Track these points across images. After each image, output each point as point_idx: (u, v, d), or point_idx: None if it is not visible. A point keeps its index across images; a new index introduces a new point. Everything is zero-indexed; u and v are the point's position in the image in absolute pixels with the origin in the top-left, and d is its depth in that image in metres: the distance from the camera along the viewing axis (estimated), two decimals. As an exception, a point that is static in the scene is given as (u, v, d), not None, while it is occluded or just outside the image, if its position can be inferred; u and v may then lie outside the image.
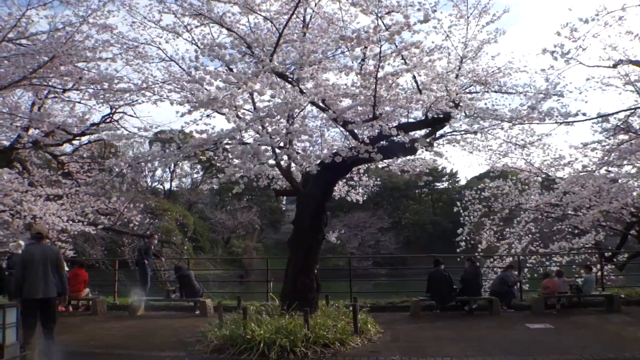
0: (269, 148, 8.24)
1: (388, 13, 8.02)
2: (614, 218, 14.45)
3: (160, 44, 10.53)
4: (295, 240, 9.66)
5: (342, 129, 9.94)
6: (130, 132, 11.34)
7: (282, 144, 10.16)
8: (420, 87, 8.63)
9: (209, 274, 28.27)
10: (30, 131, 12.35)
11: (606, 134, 11.38)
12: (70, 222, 14.12)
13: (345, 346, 7.85)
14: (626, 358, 7.22)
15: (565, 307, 11.24)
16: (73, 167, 16.74)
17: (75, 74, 8.92)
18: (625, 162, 12.27)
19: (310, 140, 8.12)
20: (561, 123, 8.52)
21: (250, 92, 9.02)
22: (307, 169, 11.00)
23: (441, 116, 9.33)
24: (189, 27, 10.17)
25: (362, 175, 13.37)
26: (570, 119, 9.15)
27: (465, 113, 9.30)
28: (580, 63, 12.99)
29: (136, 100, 12.22)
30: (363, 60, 9.13)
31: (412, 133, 9.59)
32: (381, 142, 9.07)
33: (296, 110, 8.24)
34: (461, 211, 15.08)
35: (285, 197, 53.93)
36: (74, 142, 15.10)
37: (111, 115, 14.08)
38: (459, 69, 10.47)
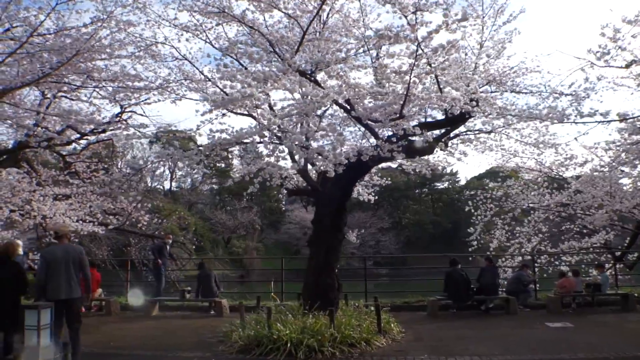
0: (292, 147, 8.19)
1: (414, 12, 8.03)
2: (625, 217, 14.50)
3: (173, 43, 10.53)
4: (315, 240, 9.60)
5: (363, 128, 9.96)
6: (147, 131, 11.21)
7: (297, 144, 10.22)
8: (442, 85, 8.60)
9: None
10: (39, 130, 12.30)
11: (623, 133, 11.39)
12: (81, 222, 14.06)
13: (370, 346, 7.83)
14: (653, 356, 7.25)
15: (581, 306, 11.27)
16: (79, 167, 16.69)
17: (95, 72, 8.85)
18: (638, 162, 12.32)
19: (337, 140, 8.02)
20: (600, 122, 8.50)
21: (266, 92, 9.02)
22: (325, 168, 11.02)
23: (461, 115, 9.36)
24: (204, 26, 10.18)
25: (372, 175, 13.37)
26: (608, 119, 9.19)
27: (485, 111, 9.28)
28: (592, 63, 13.12)
29: (147, 99, 12.16)
30: (377, 57, 9.17)
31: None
32: (400, 142, 9.07)
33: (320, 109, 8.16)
34: (472, 210, 15.06)
35: (285, 198, 53.94)
36: (81, 141, 15.01)
37: (120, 115, 14.02)
38: (475, 68, 10.49)
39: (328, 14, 9.12)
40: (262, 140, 9.83)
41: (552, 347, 7.87)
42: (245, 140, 9.57)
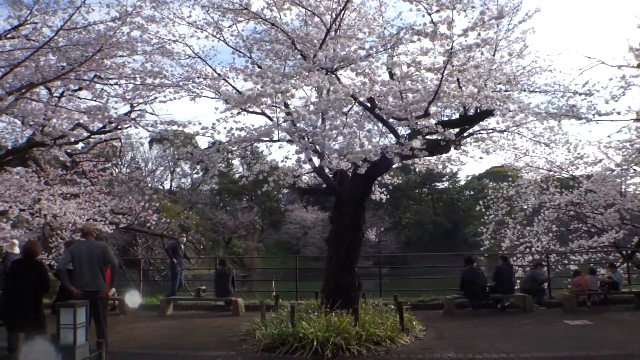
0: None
1: (438, 11, 8.03)
2: (636, 216, 14.53)
3: (187, 41, 10.49)
4: (335, 238, 9.57)
5: (380, 126, 9.95)
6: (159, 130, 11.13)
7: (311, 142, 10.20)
8: (465, 83, 8.61)
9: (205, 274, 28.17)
10: (47, 128, 12.23)
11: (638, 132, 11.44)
12: (92, 221, 13.98)
13: (395, 343, 7.81)
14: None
15: (596, 304, 11.30)
16: (86, 166, 16.63)
17: (113, 69, 8.79)
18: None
19: (365, 137, 7.99)
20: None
21: (293, 90, 8.99)
22: (341, 167, 11.00)
23: (482, 112, 9.38)
24: (219, 24, 10.15)
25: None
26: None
27: (507, 109, 9.29)
28: (603, 63, 13.16)
29: (163, 97, 12.09)
30: (391, 55, 9.16)
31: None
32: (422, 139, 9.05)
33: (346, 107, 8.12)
34: (483, 209, 15.07)
35: (284, 197, 53.91)
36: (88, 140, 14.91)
37: (129, 114, 13.95)
38: (493, 66, 10.50)
39: (344, 12, 9.14)
40: (278, 138, 9.88)
41: (576, 344, 7.87)
42: (264, 138, 9.61)
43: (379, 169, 9.54)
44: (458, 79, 9.33)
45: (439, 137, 9.07)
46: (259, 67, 10.66)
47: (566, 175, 14.81)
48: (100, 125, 12.89)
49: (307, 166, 10.73)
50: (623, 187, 13.17)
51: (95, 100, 12.22)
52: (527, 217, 14.96)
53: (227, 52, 12.59)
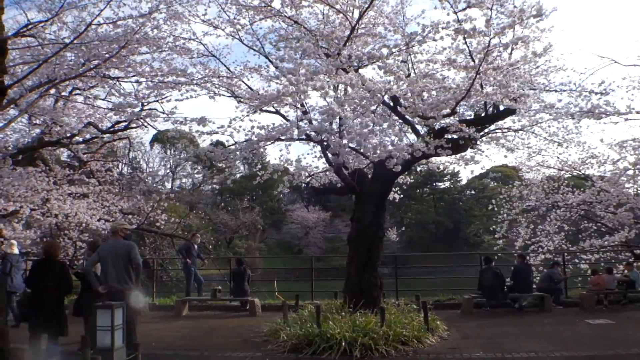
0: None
1: (464, 9, 8.00)
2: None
3: (202, 40, 10.40)
4: (356, 238, 9.53)
5: (396, 125, 9.90)
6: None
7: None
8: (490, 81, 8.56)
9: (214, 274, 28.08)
10: (58, 128, 12.12)
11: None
12: (103, 222, 13.91)
13: (422, 343, 7.76)
14: None
15: (613, 303, 11.28)
16: (94, 166, 16.56)
17: (134, 66, 8.69)
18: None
19: (396, 135, 7.95)
20: None
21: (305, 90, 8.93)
22: (358, 165, 10.95)
23: (505, 111, 9.35)
24: (235, 23, 10.08)
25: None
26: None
27: (530, 108, 9.26)
28: (616, 62, 13.13)
29: (165, 96, 12.00)
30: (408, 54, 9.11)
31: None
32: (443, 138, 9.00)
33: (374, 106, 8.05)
34: (495, 209, 15.05)
35: (286, 197, 53.83)
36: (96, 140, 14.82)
37: (140, 113, 13.86)
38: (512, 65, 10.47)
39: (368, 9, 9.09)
40: (298, 137, 9.81)
41: (602, 343, 7.86)
42: (282, 137, 9.55)
43: (402, 168, 9.49)
44: (479, 78, 9.35)
45: (458, 136, 9.03)
46: (275, 66, 10.66)
47: (577, 174, 14.78)
48: (109, 124, 12.87)
49: (318, 164, 10.74)
50: (637, 186, 13.16)
51: (104, 100, 12.13)
52: (540, 216, 14.92)
53: (239, 51, 12.54)
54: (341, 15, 9.27)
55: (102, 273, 7.04)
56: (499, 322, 9.81)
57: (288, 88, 8.61)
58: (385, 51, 8.11)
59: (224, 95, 10.97)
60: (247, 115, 10.06)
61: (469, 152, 10.99)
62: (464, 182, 52.92)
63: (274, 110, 10.54)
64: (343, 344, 7.29)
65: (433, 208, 53.63)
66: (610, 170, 13.65)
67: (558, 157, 14.36)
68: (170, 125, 12.08)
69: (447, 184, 54.58)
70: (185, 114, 8.80)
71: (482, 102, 8.78)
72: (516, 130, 11.75)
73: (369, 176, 10.97)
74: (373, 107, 7.67)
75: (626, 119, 10.17)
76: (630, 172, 12.95)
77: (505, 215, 14.92)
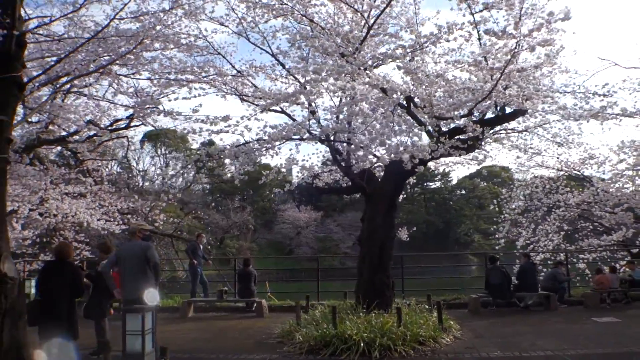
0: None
1: (481, 11, 8.03)
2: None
3: (209, 37, 10.31)
4: (368, 237, 9.51)
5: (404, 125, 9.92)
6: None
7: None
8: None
9: (212, 274, 27.89)
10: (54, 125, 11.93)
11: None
12: (104, 222, 13.72)
13: (438, 343, 7.78)
14: None
15: (615, 301, 11.42)
16: (90, 165, 16.32)
17: (144, 63, 8.55)
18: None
19: (414, 135, 7.93)
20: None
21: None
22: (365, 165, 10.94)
23: (516, 111, 9.41)
24: (243, 21, 10.02)
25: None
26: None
27: (542, 109, 9.33)
28: (617, 64, 13.29)
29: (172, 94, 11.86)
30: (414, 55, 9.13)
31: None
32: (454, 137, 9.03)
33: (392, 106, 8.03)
34: (497, 208, 15.17)
35: (277, 197, 53.62)
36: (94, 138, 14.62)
37: (138, 111, 13.69)
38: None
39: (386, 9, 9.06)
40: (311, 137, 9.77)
41: (614, 340, 7.95)
42: (294, 137, 9.50)
43: (412, 168, 9.51)
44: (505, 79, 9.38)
45: (467, 137, 9.07)
46: (282, 65, 10.62)
47: (576, 174, 14.95)
48: (107, 122, 12.67)
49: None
50: (635, 186, 13.33)
51: (101, 98, 11.89)
52: (540, 216, 15.06)
53: (243, 50, 12.43)
54: (350, 15, 9.30)
55: (120, 276, 6.90)
56: (508, 321, 9.87)
57: (300, 88, 8.62)
58: (400, 51, 8.13)
59: (230, 94, 10.90)
60: (255, 114, 10.06)
61: (482, 153, 11.10)
62: (454, 182, 53.37)
63: (280, 109, 10.51)
64: (362, 344, 7.27)
65: (424, 208, 53.90)
66: (610, 171, 13.86)
67: (558, 158, 14.57)
68: (169, 123, 11.99)
69: (438, 184, 54.93)
70: (187, 112, 8.57)
71: (492, 103, 8.79)
72: (520, 131, 11.87)
73: (376, 176, 11.02)
74: (391, 108, 7.63)
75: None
76: (630, 173, 13.14)
77: (506, 215, 15.01)
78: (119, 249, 7.07)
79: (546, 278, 11.83)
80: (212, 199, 48.63)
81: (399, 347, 7.32)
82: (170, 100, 11.60)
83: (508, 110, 9.96)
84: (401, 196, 12.11)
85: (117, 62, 7.26)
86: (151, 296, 9.58)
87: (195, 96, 10.75)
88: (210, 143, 47.81)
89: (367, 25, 8.09)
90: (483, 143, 10.99)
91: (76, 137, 11.87)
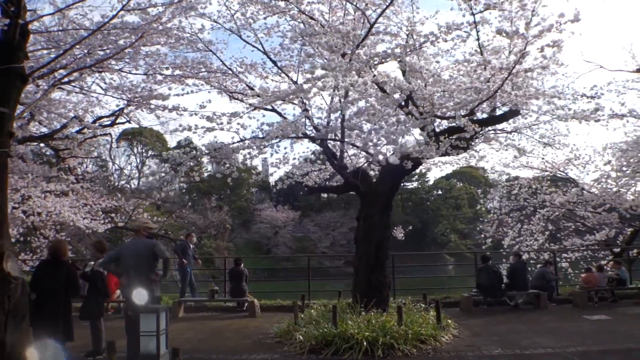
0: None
1: (482, 11, 8.09)
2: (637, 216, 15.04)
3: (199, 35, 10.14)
4: (364, 236, 9.48)
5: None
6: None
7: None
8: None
9: (197, 274, 27.44)
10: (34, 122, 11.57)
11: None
12: (89, 220, 13.36)
13: (439, 342, 7.79)
14: None
15: (602, 300, 11.67)
16: (72, 163, 15.89)
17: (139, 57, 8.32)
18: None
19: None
20: None
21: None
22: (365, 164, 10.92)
23: (511, 112, 9.53)
24: (235, 18, 9.89)
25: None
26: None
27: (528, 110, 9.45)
28: (602, 67, 13.59)
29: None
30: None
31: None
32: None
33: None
34: (484, 208, 15.36)
35: (254, 197, 53.29)
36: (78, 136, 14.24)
37: (123, 109, 13.39)
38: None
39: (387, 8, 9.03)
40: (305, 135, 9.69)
41: (609, 337, 8.11)
42: (292, 135, 9.41)
43: (411, 167, 9.53)
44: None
45: (458, 136, 9.13)
46: (274, 63, 10.52)
47: (561, 175, 15.26)
48: (91, 119, 12.33)
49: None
50: (618, 187, 13.67)
51: (94, 93, 11.57)
52: (527, 215, 15.31)
53: (233, 48, 12.28)
54: (340, 13, 9.25)
55: (124, 274, 6.71)
56: (502, 320, 9.97)
57: (298, 86, 8.53)
58: (399, 50, 8.12)
59: (220, 92, 10.72)
60: (248, 112, 9.94)
61: (474, 152, 11.19)
62: (431, 182, 53.92)
63: (270, 108, 10.40)
64: (365, 344, 7.22)
65: (401, 208, 54.22)
66: (594, 171, 14.20)
67: (543, 158, 14.86)
68: (154, 121, 11.76)
69: (415, 184, 55.38)
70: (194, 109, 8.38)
71: (493, 104, 8.87)
72: (509, 132, 12.04)
73: (369, 175, 11.01)
74: (394, 107, 7.61)
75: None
76: (614, 175, 13.46)
77: (494, 215, 15.20)
78: (121, 247, 6.83)
79: (535, 277, 12.00)
80: (189, 198, 47.93)
81: (402, 346, 7.30)
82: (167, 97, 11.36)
83: (501, 111, 10.13)
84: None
85: (115, 56, 7.02)
86: (140, 296, 9.32)
87: (188, 93, 10.61)
88: (188, 142, 47.34)
89: (366, 23, 8.05)
90: (474, 143, 11.13)
91: (65, 133, 11.53)
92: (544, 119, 10.79)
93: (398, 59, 7.74)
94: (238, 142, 9.76)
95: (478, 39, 8.61)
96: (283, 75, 10.60)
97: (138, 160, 43.95)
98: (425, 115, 8.14)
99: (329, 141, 10.33)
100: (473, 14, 7.96)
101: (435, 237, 48.21)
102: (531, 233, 15.48)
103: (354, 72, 6.85)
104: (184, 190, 49.22)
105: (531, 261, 14.88)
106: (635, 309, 10.81)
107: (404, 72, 7.75)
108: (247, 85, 10.53)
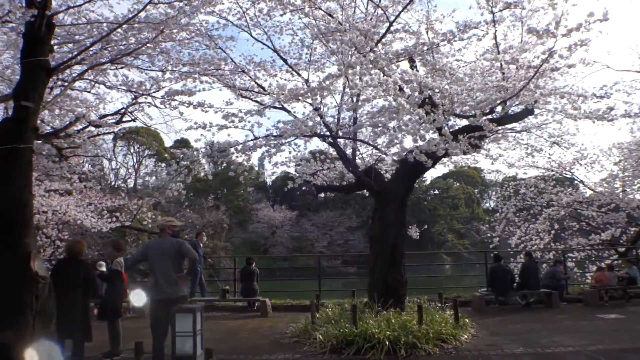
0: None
1: (501, 10, 8.08)
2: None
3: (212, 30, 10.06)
4: (380, 236, 9.43)
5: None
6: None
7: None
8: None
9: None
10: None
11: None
12: (97, 219, 13.24)
13: (459, 341, 7.76)
14: None
15: (613, 298, 11.71)
16: (75, 161, 15.75)
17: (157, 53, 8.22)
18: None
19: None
20: None
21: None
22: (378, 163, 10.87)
23: (527, 110, 9.52)
24: (247, 15, 9.83)
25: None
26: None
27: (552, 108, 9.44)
28: (609, 67, 13.63)
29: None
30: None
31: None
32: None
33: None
34: (490, 207, 15.37)
35: (252, 197, 53.10)
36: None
37: (130, 106, 13.26)
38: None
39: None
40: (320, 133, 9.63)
41: (627, 336, 8.13)
42: (306, 134, 9.35)
43: (424, 166, 9.48)
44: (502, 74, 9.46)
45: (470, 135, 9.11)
46: (284, 60, 10.47)
47: (567, 175, 15.29)
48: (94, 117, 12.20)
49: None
50: (628, 189, 13.74)
51: (108, 86, 11.43)
52: (534, 215, 15.33)
53: (242, 46, 12.16)
54: (349, 12, 9.20)
55: (150, 274, 6.44)
56: (516, 319, 9.96)
57: (308, 85, 8.49)
58: (419, 48, 8.09)
59: (230, 89, 10.63)
60: (262, 110, 9.88)
61: (498, 150, 11.18)
62: (428, 182, 53.88)
63: (280, 106, 10.34)
64: (387, 343, 7.17)
65: (399, 208, 54.36)
66: (600, 171, 14.25)
67: (549, 157, 14.88)
68: (160, 119, 11.66)
69: (413, 184, 55.17)
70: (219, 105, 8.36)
71: (514, 102, 8.85)
72: (519, 131, 12.06)
73: (382, 174, 10.98)
74: (416, 105, 7.55)
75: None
76: (621, 175, 13.52)
77: (500, 214, 15.21)
78: (146, 246, 6.71)
79: (545, 276, 12.01)
80: (186, 197, 47.62)
81: (424, 345, 7.26)
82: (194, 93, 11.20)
83: (515, 110, 10.13)
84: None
85: (137, 51, 6.92)
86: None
87: (199, 90, 10.52)
88: (184, 142, 47.00)
89: (378, 21, 8.03)
90: (484, 142, 11.13)
91: (70, 131, 11.40)
92: (557, 117, 10.84)
93: (419, 57, 7.70)
94: (252, 139, 9.73)
95: (495, 38, 8.64)
96: (293, 73, 10.58)
97: (135, 160, 43.63)
98: (445, 113, 8.15)
99: (339, 140, 10.31)
100: (492, 13, 7.96)
101: (432, 237, 48.27)
102: (536, 232, 15.51)
103: (377, 70, 6.78)
104: (183, 190, 48.90)
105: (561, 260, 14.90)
106: (646, 307, 10.87)
107: (429, 70, 7.70)
108: (256, 83, 10.47)
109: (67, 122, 11.66)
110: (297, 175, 12.23)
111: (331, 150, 12.21)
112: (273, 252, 45.21)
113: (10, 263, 4.88)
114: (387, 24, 8.79)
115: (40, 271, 4.99)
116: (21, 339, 4.68)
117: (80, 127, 12.21)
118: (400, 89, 8.12)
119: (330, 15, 8.23)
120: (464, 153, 8.83)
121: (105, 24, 6.38)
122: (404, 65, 8.87)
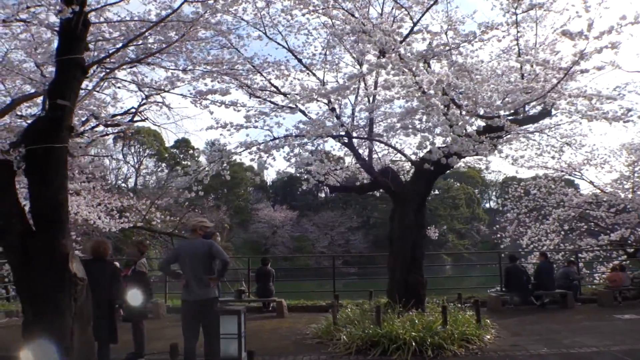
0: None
1: (525, 11, 8.10)
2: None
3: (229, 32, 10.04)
4: (399, 237, 9.42)
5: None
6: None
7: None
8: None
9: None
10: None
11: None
12: (108, 220, 13.17)
13: (482, 341, 7.77)
14: None
15: (626, 299, 11.75)
16: (84, 161, 15.68)
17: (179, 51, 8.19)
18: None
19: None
20: None
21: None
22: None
23: (543, 112, 9.54)
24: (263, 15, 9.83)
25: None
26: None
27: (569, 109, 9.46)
28: (619, 68, 13.65)
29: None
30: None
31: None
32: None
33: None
34: (500, 208, 15.42)
35: (252, 196, 53.05)
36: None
37: (140, 106, 13.21)
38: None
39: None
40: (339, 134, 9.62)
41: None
42: (329, 134, 9.35)
43: (443, 166, 9.49)
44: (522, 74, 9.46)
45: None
46: (299, 60, 10.45)
47: (577, 176, 15.33)
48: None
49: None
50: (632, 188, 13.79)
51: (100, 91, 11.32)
52: (544, 215, 15.37)
53: (253, 46, 12.12)
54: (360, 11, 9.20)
55: (183, 275, 6.37)
56: (533, 319, 9.98)
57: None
58: (442, 48, 8.09)
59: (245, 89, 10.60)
60: (282, 110, 9.92)
61: (519, 151, 11.21)
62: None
63: (294, 106, 10.32)
64: (413, 344, 7.17)
65: (399, 208, 54.42)
66: (609, 172, 14.30)
67: (560, 158, 14.90)
68: (168, 119, 11.67)
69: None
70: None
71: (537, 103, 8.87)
72: (532, 132, 12.07)
73: (398, 174, 10.99)
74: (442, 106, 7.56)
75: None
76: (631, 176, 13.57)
77: (510, 215, 15.24)
78: (178, 247, 6.66)
79: (559, 277, 12.04)
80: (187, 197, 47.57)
81: (449, 346, 7.26)
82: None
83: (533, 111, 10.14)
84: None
85: (167, 49, 6.89)
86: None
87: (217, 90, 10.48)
88: (185, 142, 46.90)
89: (412, 22, 8.02)
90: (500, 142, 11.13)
91: (85, 129, 11.35)
92: (574, 118, 10.85)
93: (444, 57, 7.71)
94: (271, 140, 9.71)
95: (517, 40, 8.65)
96: (308, 73, 10.57)
97: (135, 159, 43.50)
98: (469, 114, 8.16)
99: (353, 140, 10.32)
100: (516, 14, 7.97)
101: (433, 237, 48.34)
102: (546, 233, 15.55)
103: (405, 70, 6.78)
104: (180, 190, 48.81)
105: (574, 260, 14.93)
106: (661, 307, 10.91)
107: (455, 71, 7.69)
108: (270, 83, 10.44)
109: (81, 122, 11.64)
110: (310, 175, 12.25)
111: (336, 150, 12.33)
112: (274, 252, 45.14)
113: (49, 265, 4.83)
114: (409, 25, 8.85)
115: (79, 273, 4.95)
116: (61, 342, 4.64)
117: (91, 125, 12.19)
118: (423, 91, 8.14)
119: (352, 15, 8.22)
120: (488, 152, 8.83)
121: (132, 23, 6.34)
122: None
